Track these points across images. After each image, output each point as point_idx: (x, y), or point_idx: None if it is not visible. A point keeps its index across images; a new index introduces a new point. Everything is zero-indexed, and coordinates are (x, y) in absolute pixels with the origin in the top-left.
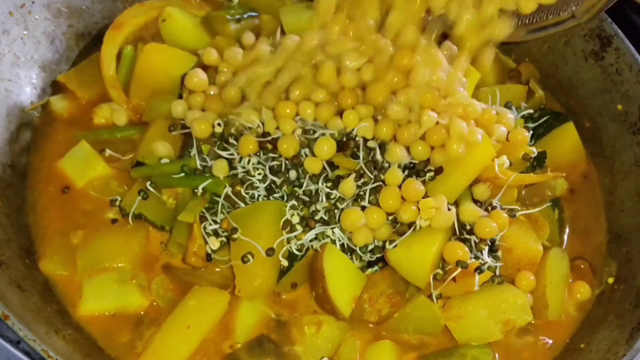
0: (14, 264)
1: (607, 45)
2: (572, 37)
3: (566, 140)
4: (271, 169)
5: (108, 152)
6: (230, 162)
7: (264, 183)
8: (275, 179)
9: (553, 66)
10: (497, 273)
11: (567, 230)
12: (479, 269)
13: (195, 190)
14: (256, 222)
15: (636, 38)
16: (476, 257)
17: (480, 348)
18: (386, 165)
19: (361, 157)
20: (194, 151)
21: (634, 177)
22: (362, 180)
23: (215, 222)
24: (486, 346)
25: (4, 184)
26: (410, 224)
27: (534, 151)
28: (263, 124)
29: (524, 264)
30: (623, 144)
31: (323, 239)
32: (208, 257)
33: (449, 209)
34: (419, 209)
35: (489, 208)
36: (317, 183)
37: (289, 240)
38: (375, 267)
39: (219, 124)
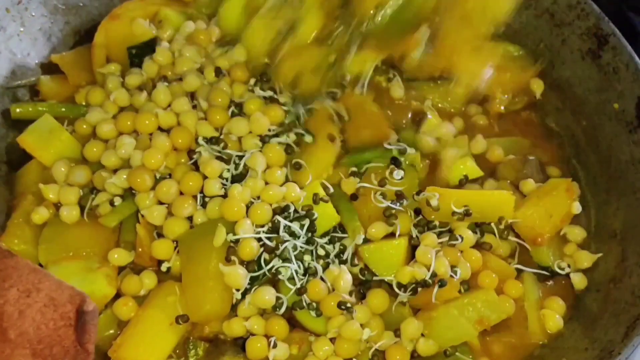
0: None
1: (604, 44)
2: (569, 36)
3: None
4: None
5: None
6: None
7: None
8: None
9: (549, 65)
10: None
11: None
12: (441, 282)
13: (133, 191)
14: (205, 244)
15: (633, 36)
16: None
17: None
18: None
19: None
20: None
21: (630, 176)
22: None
23: None
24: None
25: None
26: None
27: None
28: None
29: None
30: (619, 142)
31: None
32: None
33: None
34: None
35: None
36: None
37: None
38: None
39: None
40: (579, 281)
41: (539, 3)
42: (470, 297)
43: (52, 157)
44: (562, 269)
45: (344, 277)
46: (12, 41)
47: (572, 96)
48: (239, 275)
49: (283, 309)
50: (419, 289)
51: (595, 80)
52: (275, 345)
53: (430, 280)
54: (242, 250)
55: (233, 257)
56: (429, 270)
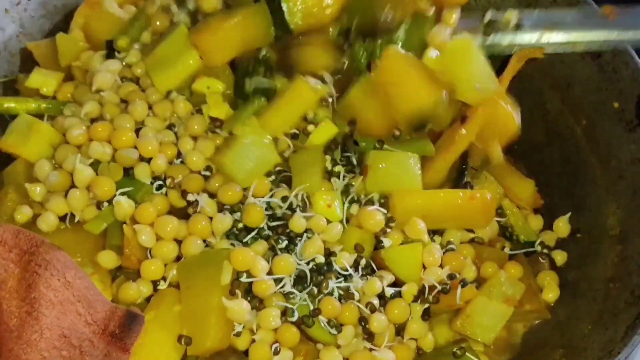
0: None
1: None
2: None
3: None
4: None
5: None
6: None
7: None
8: None
9: (549, 64)
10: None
11: None
12: (463, 282)
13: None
14: (208, 275)
15: None
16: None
17: None
18: None
19: None
20: None
21: (630, 175)
22: None
23: None
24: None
25: None
26: None
27: None
28: None
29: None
30: (619, 142)
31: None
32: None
33: None
34: None
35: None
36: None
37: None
38: None
39: None
40: (560, 257)
41: (539, 2)
42: (488, 284)
43: (35, 151)
44: (544, 246)
45: (375, 285)
46: (11, 42)
47: (571, 95)
48: (243, 311)
49: (295, 317)
50: (439, 296)
51: (595, 80)
52: (277, 352)
53: (447, 286)
54: (256, 288)
55: (237, 291)
56: (440, 273)
